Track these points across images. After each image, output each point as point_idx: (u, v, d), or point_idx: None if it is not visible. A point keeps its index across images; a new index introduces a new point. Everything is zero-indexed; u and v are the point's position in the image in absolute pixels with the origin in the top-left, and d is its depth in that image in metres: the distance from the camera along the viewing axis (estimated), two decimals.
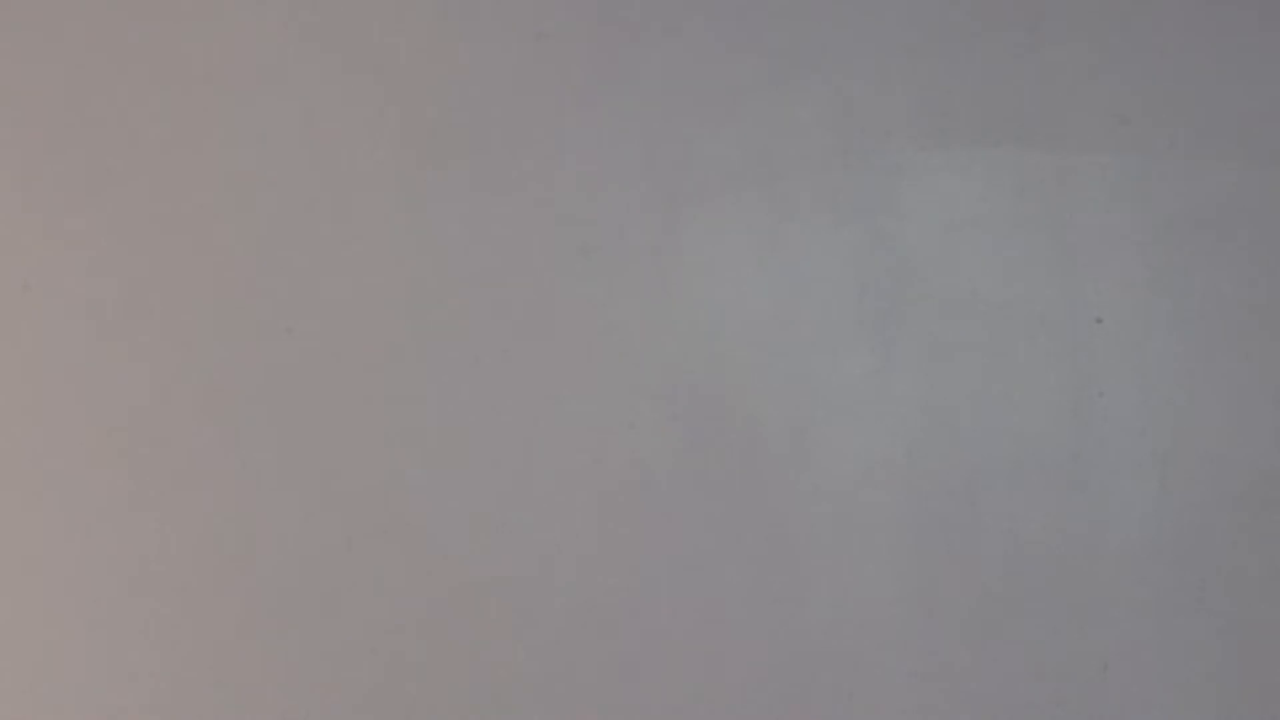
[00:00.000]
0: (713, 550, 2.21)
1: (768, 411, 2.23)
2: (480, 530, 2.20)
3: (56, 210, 2.21)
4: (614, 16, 2.26)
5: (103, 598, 2.17)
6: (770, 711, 2.20)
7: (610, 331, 2.23)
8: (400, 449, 2.20)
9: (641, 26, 2.26)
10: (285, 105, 2.24)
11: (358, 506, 2.19)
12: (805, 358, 2.24)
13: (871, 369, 2.24)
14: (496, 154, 2.24)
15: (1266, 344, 2.25)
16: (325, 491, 2.19)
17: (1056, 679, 2.22)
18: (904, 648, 2.22)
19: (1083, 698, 2.21)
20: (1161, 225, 2.27)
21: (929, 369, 2.25)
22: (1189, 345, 2.25)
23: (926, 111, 2.28)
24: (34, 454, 2.19)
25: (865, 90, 2.27)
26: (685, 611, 2.21)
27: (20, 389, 2.19)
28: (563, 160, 2.24)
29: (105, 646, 2.17)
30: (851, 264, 2.26)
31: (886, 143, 2.27)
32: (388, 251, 2.22)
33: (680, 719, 2.20)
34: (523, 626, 2.19)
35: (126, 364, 2.20)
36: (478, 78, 2.25)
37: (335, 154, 2.23)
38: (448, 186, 2.23)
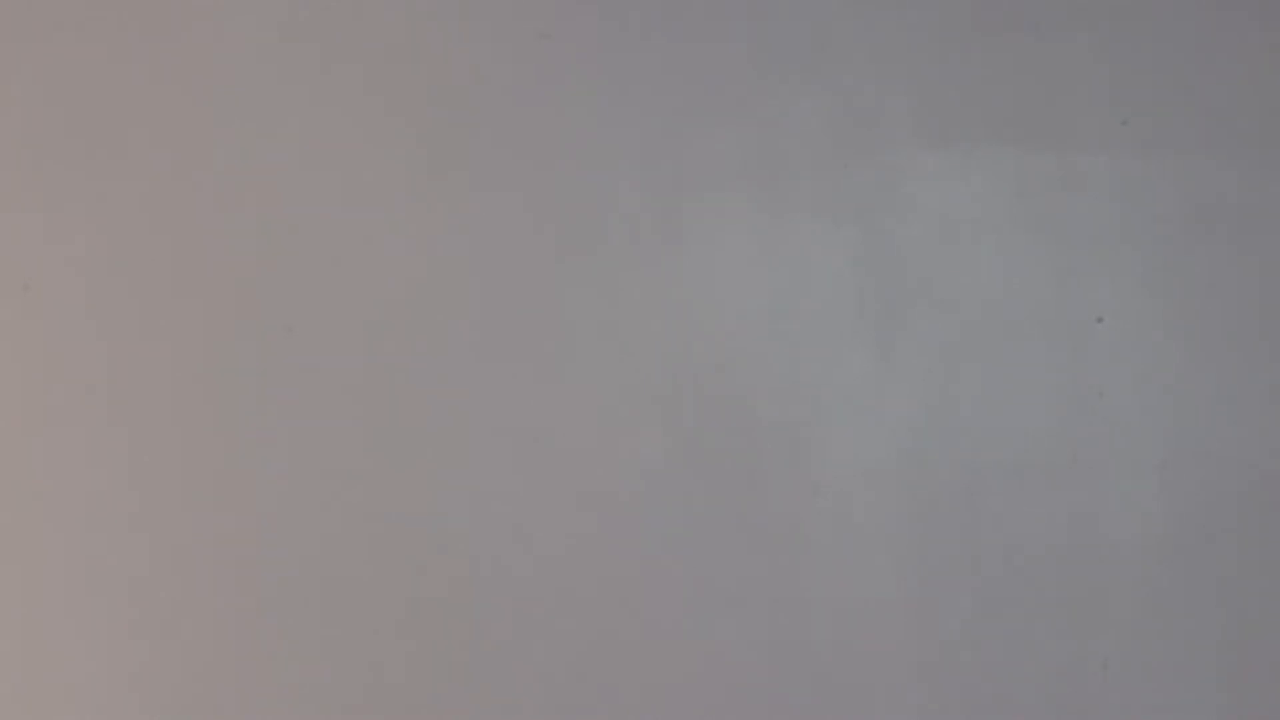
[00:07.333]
0: (712, 550, 2.21)
1: (768, 411, 2.23)
2: (481, 529, 2.20)
3: (56, 210, 2.21)
4: (616, 17, 2.26)
5: (102, 597, 2.17)
6: (770, 710, 2.20)
7: (610, 331, 2.23)
8: (400, 448, 2.20)
9: (643, 27, 2.26)
10: (286, 105, 2.24)
11: (357, 505, 2.19)
12: (805, 357, 2.24)
13: (871, 369, 2.24)
14: (497, 153, 2.24)
15: (1266, 344, 2.26)
16: (325, 490, 2.19)
17: (1056, 679, 2.22)
18: (904, 648, 2.22)
19: (1083, 697, 2.22)
20: (1161, 225, 2.27)
21: (929, 369, 2.25)
22: (1189, 345, 2.25)
23: (926, 111, 2.28)
24: (34, 454, 2.19)
25: (865, 90, 2.27)
26: (685, 611, 2.21)
27: (20, 389, 2.19)
28: (564, 159, 2.24)
29: (104, 645, 2.17)
30: (851, 264, 2.26)
31: (886, 143, 2.27)
32: (388, 251, 2.22)
33: (680, 718, 2.20)
34: (522, 625, 2.19)
35: (126, 364, 2.20)
36: (480, 77, 2.25)
37: (336, 153, 2.23)
38: (448, 185, 2.23)
